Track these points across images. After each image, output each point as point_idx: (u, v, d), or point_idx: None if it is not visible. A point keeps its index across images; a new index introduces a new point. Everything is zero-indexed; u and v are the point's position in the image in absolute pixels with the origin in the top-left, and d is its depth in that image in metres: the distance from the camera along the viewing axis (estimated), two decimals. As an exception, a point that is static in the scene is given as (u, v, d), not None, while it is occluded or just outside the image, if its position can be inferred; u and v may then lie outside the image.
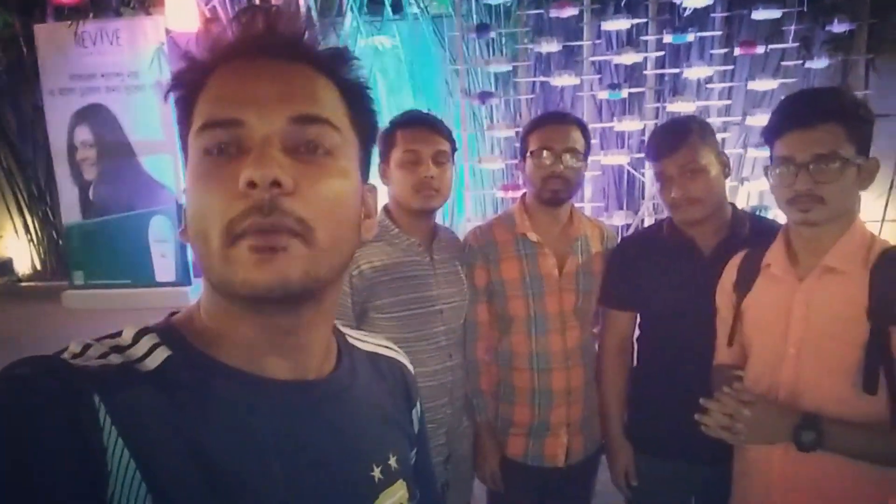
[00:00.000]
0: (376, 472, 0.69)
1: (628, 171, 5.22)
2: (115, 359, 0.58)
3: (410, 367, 0.84)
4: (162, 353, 0.60)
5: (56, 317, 6.03)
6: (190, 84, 0.63)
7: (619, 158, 4.59)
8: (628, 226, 4.51)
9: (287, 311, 0.61)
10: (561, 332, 1.79)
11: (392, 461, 0.71)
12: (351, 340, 0.77)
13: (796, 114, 1.35)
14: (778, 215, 1.75)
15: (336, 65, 0.65)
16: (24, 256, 7.99)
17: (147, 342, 0.60)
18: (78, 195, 6.28)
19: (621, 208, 5.02)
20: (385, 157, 1.70)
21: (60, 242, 7.34)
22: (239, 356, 0.62)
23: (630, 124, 4.53)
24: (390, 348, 0.83)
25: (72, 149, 6.21)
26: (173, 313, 0.67)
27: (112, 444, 0.52)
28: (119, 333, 0.62)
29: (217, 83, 0.61)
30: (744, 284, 1.52)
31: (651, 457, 1.79)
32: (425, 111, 1.80)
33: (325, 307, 0.66)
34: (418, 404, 0.83)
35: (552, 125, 1.77)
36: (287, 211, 0.56)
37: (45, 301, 6.60)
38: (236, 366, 0.62)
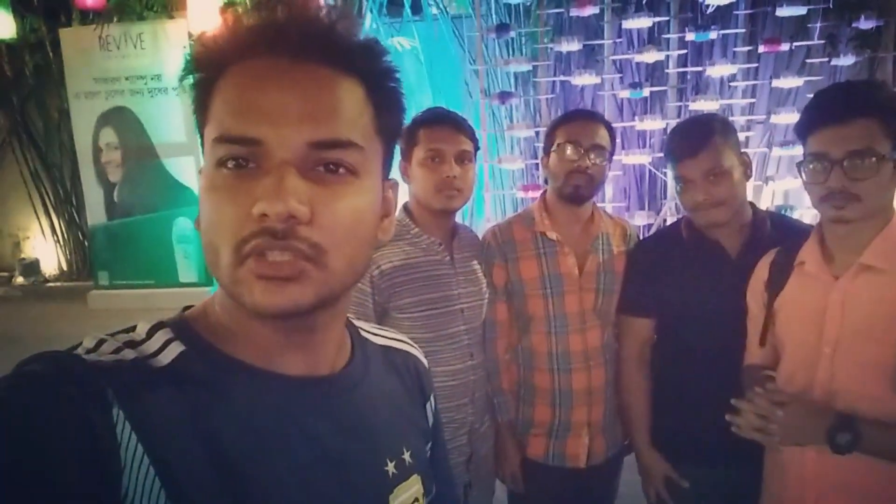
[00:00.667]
0: (390, 467, 0.69)
1: (650, 171, 5.17)
2: (128, 354, 0.58)
3: (424, 360, 0.83)
4: (176, 349, 0.59)
5: (82, 317, 6.13)
6: (206, 73, 0.60)
7: (641, 158, 4.55)
8: (650, 226, 4.46)
9: (299, 320, 0.60)
10: (581, 332, 1.77)
11: (406, 455, 0.71)
12: (364, 334, 0.77)
13: (830, 108, 1.31)
14: (803, 214, 1.72)
15: (365, 61, 0.62)
16: (50, 257, 8.14)
17: (161, 337, 0.60)
18: (103, 197, 6.38)
19: (643, 208, 4.97)
20: (407, 156, 1.70)
21: (86, 243, 7.46)
22: (253, 352, 0.62)
23: (652, 123, 4.48)
24: (404, 342, 0.82)
25: (97, 151, 6.31)
26: (187, 307, 0.66)
27: (126, 440, 0.52)
28: (133, 328, 0.62)
29: (234, 86, 0.58)
30: (776, 283, 1.49)
31: (679, 465, 1.76)
32: (448, 109, 1.78)
33: (338, 308, 0.65)
34: (432, 398, 0.82)
35: (580, 121, 1.76)
36: (302, 237, 0.55)
37: (71, 301, 6.72)
38: (250, 362, 0.61)
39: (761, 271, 1.53)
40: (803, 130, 1.35)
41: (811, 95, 1.41)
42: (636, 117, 4.64)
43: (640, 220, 4.43)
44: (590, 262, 1.78)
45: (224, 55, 0.59)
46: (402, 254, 1.65)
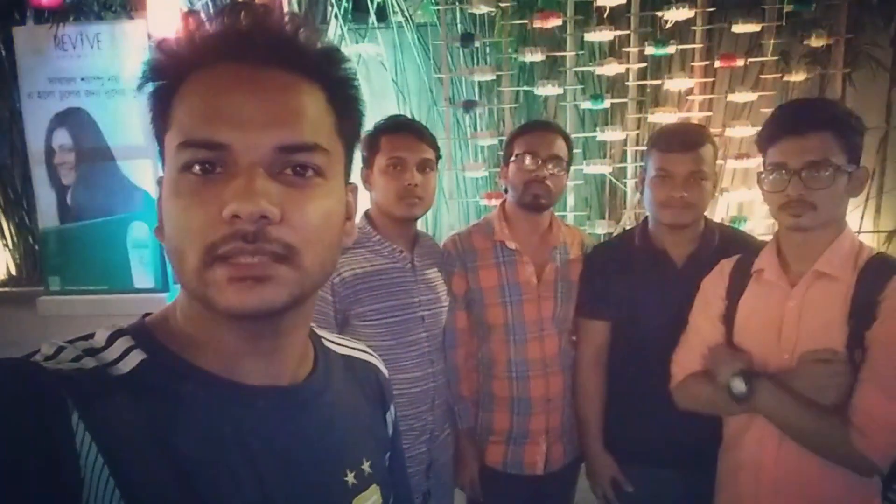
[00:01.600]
0: (350, 478, 0.69)
1: (611, 181, 5.25)
2: (88, 362, 0.57)
3: (385, 370, 0.84)
4: (136, 357, 0.59)
5: (31, 323, 5.93)
6: (167, 80, 0.60)
7: (602, 168, 4.62)
8: (611, 234, 4.53)
9: (267, 322, 0.60)
10: (539, 340, 1.79)
11: (366, 466, 0.71)
12: (327, 343, 0.77)
13: (790, 122, 1.39)
14: (756, 226, 1.77)
15: (326, 67, 0.63)
16: (-1, 261, 7.84)
17: (121, 345, 0.59)
18: (55, 199, 6.19)
19: (603, 217, 5.05)
20: (368, 163, 1.69)
21: (37, 248, 7.21)
22: (214, 360, 0.61)
23: (612, 134, 4.56)
24: (365, 351, 0.83)
25: (50, 152, 6.12)
26: (147, 314, 0.66)
27: (85, 450, 0.51)
28: (92, 335, 0.60)
29: (198, 92, 0.58)
30: (736, 290, 1.54)
31: (631, 466, 1.79)
32: (410, 118, 1.79)
33: (304, 311, 0.66)
34: (392, 408, 0.83)
35: (538, 132, 1.79)
36: (273, 238, 0.56)
37: (20, 307, 6.48)
38: (212, 370, 0.61)
39: (720, 279, 1.57)
40: (764, 142, 1.43)
41: (765, 110, 1.47)
42: (597, 128, 4.71)
43: (600, 228, 4.49)
44: (548, 270, 1.81)
45: (186, 61, 0.59)
46: (363, 261, 1.64)
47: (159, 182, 0.62)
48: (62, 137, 6.11)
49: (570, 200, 4.66)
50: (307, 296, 0.61)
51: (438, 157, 1.75)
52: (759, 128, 1.47)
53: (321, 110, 0.62)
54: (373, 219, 1.74)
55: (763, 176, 1.42)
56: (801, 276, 1.41)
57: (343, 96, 0.65)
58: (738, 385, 1.38)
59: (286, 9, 4.84)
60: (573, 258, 1.86)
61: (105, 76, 5.91)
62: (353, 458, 0.70)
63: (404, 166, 1.65)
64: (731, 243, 1.65)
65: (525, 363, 1.80)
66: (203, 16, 0.60)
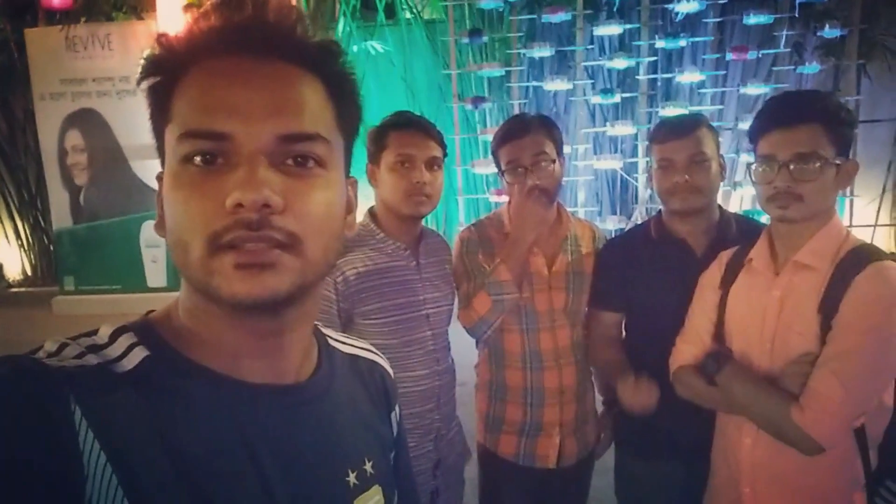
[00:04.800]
0: (351, 478, 0.68)
1: (621, 176, 5.22)
2: (91, 359, 0.56)
3: (390, 370, 0.83)
4: (139, 354, 0.58)
5: (46, 323, 5.99)
6: (167, 74, 0.60)
7: (613, 163, 4.59)
8: (622, 230, 4.50)
9: (271, 315, 0.60)
10: (551, 331, 1.78)
11: (368, 466, 0.71)
12: (332, 342, 0.76)
13: (779, 114, 1.38)
14: (769, 222, 1.74)
15: (325, 60, 0.63)
16: (14, 262, 7.93)
17: (124, 341, 0.59)
18: (69, 200, 6.25)
19: (615, 213, 5.02)
20: (375, 159, 1.68)
21: (51, 248, 7.28)
22: (217, 358, 0.61)
23: (623, 129, 4.53)
24: (371, 351, 0.82)
25: (62, 153, 6.18)
26: (150, 311, 0.66)
27: (88, 447, 0.51)
28: (95, 332, 0.60)
29: (199, 83, 0.58)
30: (729, 280, 1.54)
31: (645, 460, 1.77)
32: (418, 114, 1.77)
33: (308, 308, 0.65)
34: (397, 408, 0.82)
35: (516, 139, 1.74)
36: (277, 227, 0.55)
37: (35, 307, 6.55)
38: (214, 368, 0.61)
39: (717, 268, 1.57)
40: (755, 134, 1.43)
41: (775, 102, 1.47)
42: (608, 123, 4.68)
43: (611, 224, 4.47)
44: (559, 261, 1.79)
45: (186, 55, 0.59)
46: (366, 259, 1.63)
47: (159, 178, 0.62)
48: (75, 138, 6.19)
49: (581, 196, 4.63)
50: (310, 285, 0.61)
51: (445, 154, 1.74)
52: None
53: (321, 102, 0.62)
54: (377, 216, 1.72)
55: (753, 167, 1.43)
56: (783, 263, 1.42)
57: (341, 89, 0.65)
58: (710, 365, 1.44)
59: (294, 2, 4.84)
60: (584, 250, 1.85)
61: (116, 77, 5.97)
62: (355, 458, 0.70)
63: (413, 163, 1.63)
64: (751, 233, 1.63)
65: (538, 353, 1.79)
66: (203, 9, 0.60)
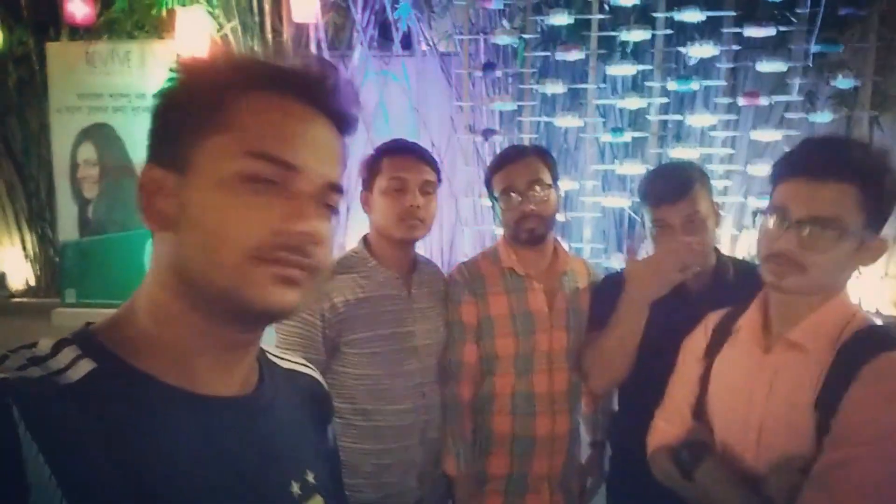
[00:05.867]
0: (295, 488, 0.72)
1: (629, 215, 5.20)
2: (34, 371, 0.57)
3: (325, 383, 0.89)
4: (86, 366, 0.60)
5: (43, 334, 5.92)
6: (223, 88, 0.65)
7: (621, 201, 4.57)
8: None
9: (258, 329, 0.69)
10: (548, 373, 1.72)
11: (310, 477, 0.74)
12: (270, 357, 0.81)
13: (807, 160, 1.13)
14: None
15: (351, 122, 0.73)
16: (19, 272, 7.94)
17: (68, 353, 0.61)
18: (77, 213, 6.28)
19: (621, 251, 4.98)
20: (368, 185, 1.67)
21: (56, 259, 7.29)
22: (168, 368, 0.63)
23: (632, 168, 4.52)
24: (306, 365, 0.87)
25: (74, 166, 6.23)
26: (89, 323, 0.69)
27: (31, 459, 0.51)
28: (34, 344, 0.62)
29: (267, 112, 0.64)
30: (715, 349, 1.35)
31: None
32: (411, 141, 1.77)
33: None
34: (333, 421, 0.87)
35: (511, 165, 1.72)
36: (310, 255, 0.65)
37: (36, 318, 6.54)
38: (163, 379, 0.63)
39: (702, 334, 1.42)
40: (773, 177, 1.23)
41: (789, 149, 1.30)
42: (616, 161, 4.68)
43: (617, 262, 4.42)
44: (559, 298, 1.75)
45: (252, 79, 0.65)
46: (356, 287, 1.61)
47: (148, 172, 0.67)
48: (87, 152, 6.22)
49: (587, 233, 4.61)
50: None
51: (439, 179, 1.72)
52: None
53: (344, 162, 0.73)
54: (370, 243, 1.70)
55: (761, 216, 1.20)
56: (776, 340, 1.20)
57: (346, 146, 0.75)
58: (686, 458, 1.23)
59: (312, 35, 4.91)
60: (581, 286, 1.80)
61: (132, 93, 6.03)
62: (298, 469, 0.74)
63: (406, 187, 1.62)
64: (750, 277, 1.59)
65: (531, 397, 1.72)
66: (232, 46, 0.70)
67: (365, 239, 1.71)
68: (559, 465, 1.74)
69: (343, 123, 0.72)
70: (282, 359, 0.84)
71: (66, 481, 0.52)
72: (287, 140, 0.65)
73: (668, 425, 1.40)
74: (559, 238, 1.89)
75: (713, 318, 1.41)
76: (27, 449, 0.51)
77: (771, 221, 1.16)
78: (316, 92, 0.67)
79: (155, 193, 0.67)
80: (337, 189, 0.70)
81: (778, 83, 4.69)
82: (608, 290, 1.79)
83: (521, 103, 4.68)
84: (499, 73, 4.78)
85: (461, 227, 4.83)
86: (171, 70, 0.68)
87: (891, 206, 1.11)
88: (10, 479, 0.50)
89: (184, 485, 0.60)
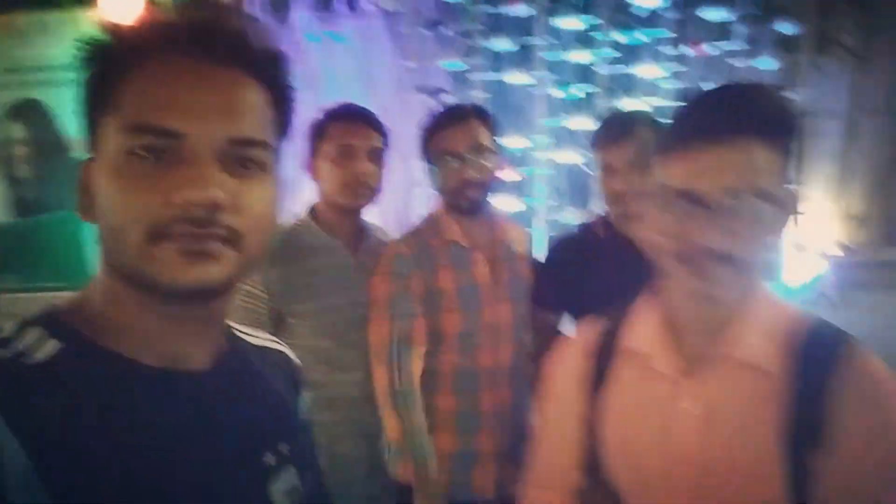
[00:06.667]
0: (269, 458, 0.72)
1: (581, 170, 5.21)
2: (0, 352, 0.57)
3: (296, 359, 0.87)
4: (52, 345, 0.59)
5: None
6: (113, 62, 0.61)
7: (573, 157, 4.57)
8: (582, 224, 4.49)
9: (202, 303, 0.63)
10: (493, 348, 1.64)
11: (283, 448, 0.74)
12: (239, 333, 0.79)
13: (700, 125, 0.86)
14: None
15: (271, 69, 0.67)
16: (-47, 259, 7.56)
17: (32, 334, 0.60)
18: (9, 193, 6.00)
19: (575, 206, 5.00)
20: (314, 151, 1.58)
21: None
22: (134, 345, 0.63)
23: (583, 123, 4.51)
24: (276, 342, 0.86)
25: (3, 145, 5.92)
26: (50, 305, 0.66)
27: (2, 440, 0.52)
28: None
29: (154, 80, 0.60)
30: (600, 376, 0.99)
31: None
32: (358, 104, 1.65)
33: (229, 298, 0.69)
34: (304, 394, 0.85)
35: (449, 127, 1.60)
36: (221, 223, 0.59)
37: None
38: (130, 356, 0.62)
39: (575, 355, 1.03)
40: (660, 155, 0.91)
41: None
42: (566, 116, 4.66)
43: (572, 218, 4.44)
44: (502, 270, 1.67)
45: (138, 48, 0.61)
46: (301, 257, 1.53)
47: (82, 163, 0.65)
48: (16, 129, 5.95)
49: (541, 189, 4.61)
50: (242, 278, 0.65)
51: (388, 144, 1.64)
52: None
53: (266, 110, 0.66)
54: (317, 211, 1.62)
55: (653, 204, 0.88)
56: (702, 362, 0.89)
57: (283, 97, 0.69)
58: None
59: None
60: (520, 253, 1.73)
61: (59, 66, 5.73)
62: (270, 441, 0.73)
63: (353, 154, 1.54)
64: None
65: (475, 373, 1.65)
66: (161, 6, 0.63)
67: (312, 208, 1.63)
68: (508, 438, 1.68)
69: (256, 69, 0.64)
70: (251, 335, 0.82)
71: (38, 459, 0.53)
72: (165, 105, 0.59)
73: (546, 493, 1.02)
74: (515, 195, 1.82)
75: (591, 329, 1.04)
76: None
77: (669, 210, 0.85)
78: (208, 44, 0.61)
79: (84, 186, 0.65)
80: (249, 143, 0.62)
81: (723, 32, 4.71)
82: (553, 255, 1.75)
83: (469, 60, 4.60)
84: (444, 29, 4.67)
85: (415, 189, 4.76)
86: (75, 51, 0.64)
87: (797, 139, 0.86)
88: None
89: (154, 458, 0.60)
